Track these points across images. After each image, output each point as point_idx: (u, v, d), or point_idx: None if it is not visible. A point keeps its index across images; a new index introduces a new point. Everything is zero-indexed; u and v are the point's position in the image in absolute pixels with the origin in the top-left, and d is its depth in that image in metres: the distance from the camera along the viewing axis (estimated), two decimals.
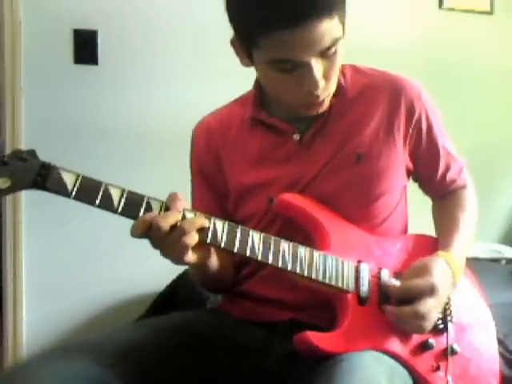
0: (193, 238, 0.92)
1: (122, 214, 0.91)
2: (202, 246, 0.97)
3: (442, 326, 1.08)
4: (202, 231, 0.94)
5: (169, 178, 1.71)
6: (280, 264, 0.99)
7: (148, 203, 0.93)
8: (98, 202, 0.90)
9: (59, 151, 1.90)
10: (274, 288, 1.11)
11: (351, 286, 1.04)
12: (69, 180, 0.90)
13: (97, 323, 2.14)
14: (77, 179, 0.90)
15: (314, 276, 1.01)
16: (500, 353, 1.17)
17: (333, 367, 0.91)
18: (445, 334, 1.08)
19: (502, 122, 2.69)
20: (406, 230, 1.24)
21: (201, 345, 1.07)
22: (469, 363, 1.09)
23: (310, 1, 0.95)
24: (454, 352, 1.07)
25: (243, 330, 1.12)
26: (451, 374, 1.05)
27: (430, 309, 1.03)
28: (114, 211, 0.91)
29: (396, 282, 1.07)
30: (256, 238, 0.98)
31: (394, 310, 1.03)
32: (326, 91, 1.05)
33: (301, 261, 1.00)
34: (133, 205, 0.92)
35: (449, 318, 1.09)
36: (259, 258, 0.98)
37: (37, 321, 2.10)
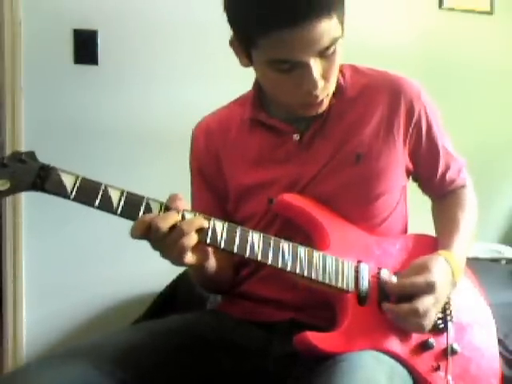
0: (192, 239, 0.92)
1: (122, 215, 0.91)
2: (201, 248, 0.97)
3: (442, 326, 1.08)
4: (202, 232, 0.94)
5: (168, 178, 1.71)
6: (280, 264, 0.99)
7: (147, 204, 0.93)
8: (97, 203, 0.90)
9: (59, 151, 1.92)
10: (274, 288, 1.11)
11: (351, 286, 1.04)
12: (68, 181, 0.90)
13: (97, 324, 2.14)
14: (76, 181, 0.90)
15: (313, 276, 1.01)
16: (500, 353, 1.17)
17: (333, 367, 0.91)
18: (445, 334, 1.08)
19: (502, 121, 2.68)
20: (405, 230, 1.24)
21: (201, 347, 1.07)
22: (469, 363, 1.09)
23: (309, 0, 0.94)
24: (454, 352, 1.07)
25: (243, 330, 1.12)
26: (451, 374, 1.05)
27: (429, 306, 1.02)
28: (114, 212, 0.91)
29: (394, 279, 1.07)
30: (256, 238, 0.98)
31: (393, 307, 1.03)
32: (324, 91, 1.05)
33: (300, 261, 1.00)
34: (132, 206, 0.92)
35: (449, 317, 1.09)
36: (259, 258, 0.98)
37: (37, 321, 2.09)
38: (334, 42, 0.99)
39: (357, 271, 1.06)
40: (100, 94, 2.11)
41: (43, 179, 0.89)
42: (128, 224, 0.92)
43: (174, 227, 0.91)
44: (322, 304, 1.06)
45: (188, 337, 1.07)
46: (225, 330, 1.11)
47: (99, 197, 0.90)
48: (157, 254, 0.95)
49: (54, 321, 2.11)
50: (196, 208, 1.02)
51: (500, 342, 1.22)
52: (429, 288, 1.03)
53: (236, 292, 1.18)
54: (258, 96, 1.19)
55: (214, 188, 1.22)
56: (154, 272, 1.85)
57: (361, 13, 2.10)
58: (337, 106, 1.13)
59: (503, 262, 2.37)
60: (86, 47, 2.08)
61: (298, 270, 1.00)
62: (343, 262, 1.05)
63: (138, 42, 2.14)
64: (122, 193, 0.92)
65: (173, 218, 0.92)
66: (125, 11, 2.11)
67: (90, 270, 2.13)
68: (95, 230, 2.06)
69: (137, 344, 1.02)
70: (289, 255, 1.00)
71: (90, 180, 0.91)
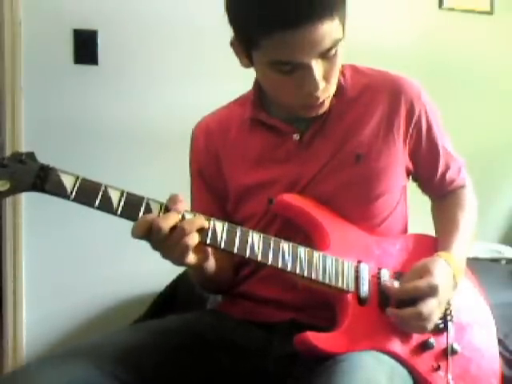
0: (193, 239, 0.92)
1: (122, 215, 0.91)
2: (200, 248, 0.97)
3: (442, 326, 1.08)
4: (202, 232, 0.94)
5: (168, 179, 1.71)
6: (280, 264, 0.99)
7: (147, 205, 0.93)
8: (97, 203, 0.90)
9: (59, 151, 1.92)
10: (274, 288, 1.11)
11: (351, 286, 1.04)
12: (68, 182, 0.90)
13: (97, 324, 2.14)
14: (76, 181, 0.90)
15: (313, 276, 1.01)
16: (500, 353, 1.17)
17: (333, 367, 0.91)
18: (445, 334, 1.08)
19: (502, 121, 2.68)
20: (405, 230, 1.24)
21: (201, 346, 1.07)
22: (469, 363, 1.09)
23: (311, 2, 0.94)
24: (454, 352, 1.07)
25: (243, 330, 1.12)
26: (451, 374, 1.05)
27: (433, 309, 1.02)
28: (114, 213, 0.91)
29: (396, 284, 1.07)
30: (256, 238, 0.98)
31: (397, 312, 1.03)
32: (325, 92, 1.05)
33: (301, 261, 1.00)
34: (132, 206, 0.92)
35: (449, 317, 1.09)
36: (259, 258, 0.98)
37: (37, 321, 2.09)
38: (335, 43, 0.99)
39: (357, 271, 1.06)
40: (100, 94, 2.11)
41: (43, 180, 0.89)
42: (128, 224, 0.92)
43: (174, 227, 0.91)
44: (322, 304, 1.06)
45: (188, 337, 1.07)
46: (225, 330, 1.11)
47: (99, 197, 0.90)
48: (157, 253, 0.95)
49: (53, 321, 2.11)
50: (196, 209, 1.02)
51: (500, 341, 1.22)
52: (432, 291, 1.03)
53: (236, 292, 1.18)
54: (258, 96, 1.19)
55: (213, 189, 1.22)
56: (154, 272, 1.85)
57: (361, 13, 2.10)
58: (337, 106, 1.13)
59: (503, 262, 2.37)
60: (85, 47, 2.08)
61: (298, 271, 1.00)
62: (343, 262, 1.05)
63: (137, 42, 2.14)
64: (122, 193, 0.92)
65: (173, 218, 0.92)
66: (125, 11, 2.11)
67: (90, 270, 2.13)
68: (95, 230, 2.05)
69: (137, 344, 1.02)
70: (289, 255, 1.00)
71: (89, 180, 0.91)
